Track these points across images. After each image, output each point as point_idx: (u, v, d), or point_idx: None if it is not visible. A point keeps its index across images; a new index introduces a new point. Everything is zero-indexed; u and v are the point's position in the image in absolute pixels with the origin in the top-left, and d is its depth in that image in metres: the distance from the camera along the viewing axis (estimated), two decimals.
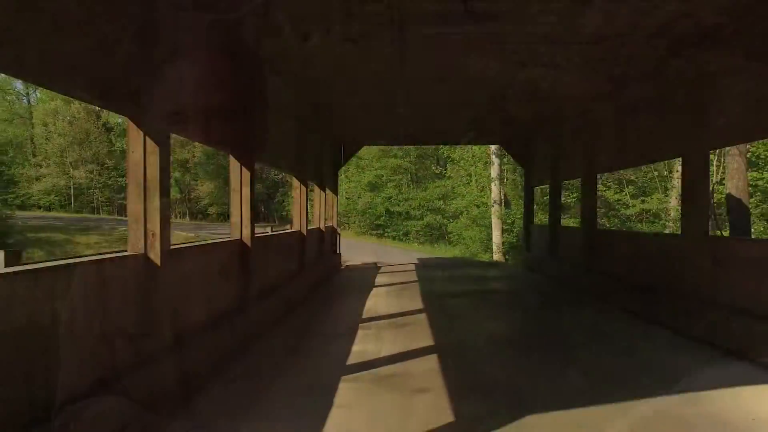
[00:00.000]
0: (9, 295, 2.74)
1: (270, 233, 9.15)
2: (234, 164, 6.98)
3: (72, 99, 60.95)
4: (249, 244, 6.71)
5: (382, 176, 32.13)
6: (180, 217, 58.46)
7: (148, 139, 4.18)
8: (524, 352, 6.44)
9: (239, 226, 6.72)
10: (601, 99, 9.69)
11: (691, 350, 6.11)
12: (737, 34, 6.07)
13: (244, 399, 4.51)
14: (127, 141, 4.29)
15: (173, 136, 4.91)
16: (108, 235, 31.03)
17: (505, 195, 21.86)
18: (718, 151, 13.72)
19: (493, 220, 21.30)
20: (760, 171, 15.21)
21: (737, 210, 10.37)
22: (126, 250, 4.24)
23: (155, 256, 4.20)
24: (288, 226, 12.98)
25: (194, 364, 4.72)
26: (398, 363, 5.69)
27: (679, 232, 8.82)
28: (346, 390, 4.80)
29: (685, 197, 7.48)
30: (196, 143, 52.17)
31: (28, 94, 59.37)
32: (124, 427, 3.47)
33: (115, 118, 65.53)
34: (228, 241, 6.56)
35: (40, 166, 56.64)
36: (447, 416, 4.19)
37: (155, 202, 4.24)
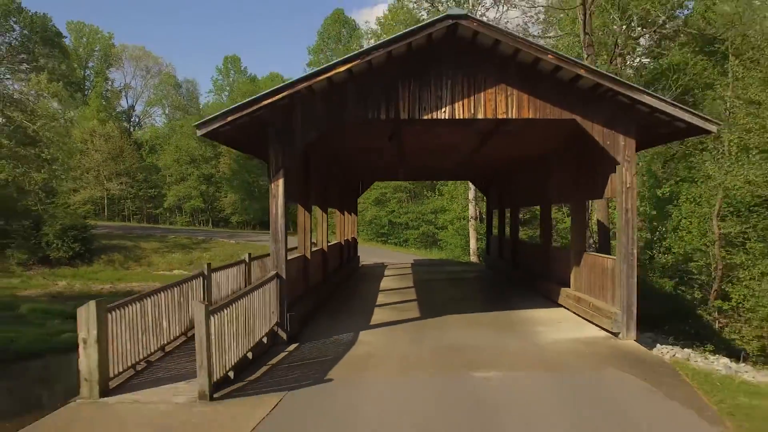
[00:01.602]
0: (305, 257, 9.56)
1: (328, 245, 16.02)
2: (316, 210, 13.86)
3: (107, 119, 67.66)
4: (326, 250, 13.62)
5: (386, 194, 38.98)
6: (203, 225, 65.12)
7: (305, 211, 11.05)
8: (461, 301, 13.29)
9: (324, 240, 13.63)
10: (514, 165, 16.57)
11: (537, 300, 12.95)
12: (557, 156, 12.93)
13: (336, 316, 11.38)
14: (297, 213, 11.13)
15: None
16: (164, 242, 37.62)
17: (480, 212, 28.75)
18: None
19: (470, 231, 28.21)
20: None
21: (603, 231, 17.24)
22: (296, 249, 11.08)
23: (307, 254, 11.08)
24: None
25: (314, 300, 11.59)
26: (398, 304, 12.57)
27: (551, 243, 15.63)
28: (377, 311, 11.69)
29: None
30: (223, 161, 58.87)
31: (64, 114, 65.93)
32: (304, 318, 10.29)
33: (146, 136, 72.36)
34: (320, 249, 13.46)
35: (80, 179, 62.40)
36: (417, 316, 11.09)
37: (306, 235, 11.13)
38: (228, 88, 76.00)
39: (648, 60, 24.25)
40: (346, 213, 19.91)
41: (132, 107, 77.91)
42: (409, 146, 13.15)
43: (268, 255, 12.64)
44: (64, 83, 41.51)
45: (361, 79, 8.44)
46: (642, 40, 24.77)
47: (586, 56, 18.36)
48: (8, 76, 37.71)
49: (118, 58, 75.82)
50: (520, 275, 16.36)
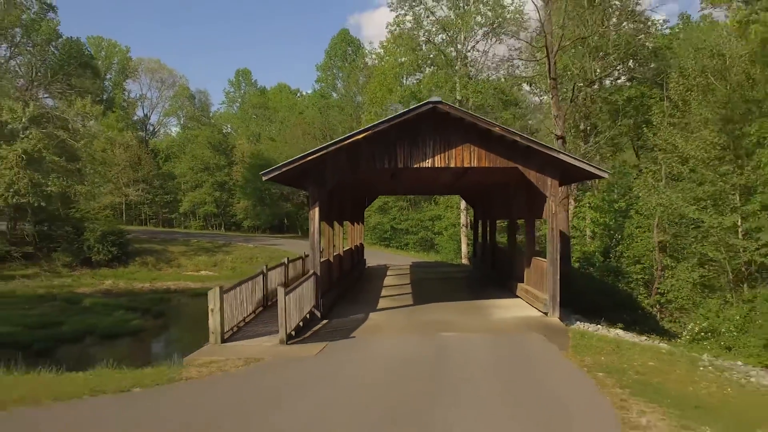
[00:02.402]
0: (329, 260, 13.68)
1: (343, 251, 20.16)
2: (338, 227, 18.01)
3: (125, 129, 71.88)
4: (342, 254, 17.78)
5: (388, 202, 43.16)
6: (216, 229, 69.38)
7: (329, 227, 15.18)
8: (446, 293, 17.41)
9: (341, 248, 17.80)
10: (488, 189, 20.69)
11: (503, 293, 17.06)
12: (514, 186, 17.02)
13: (351, 304, 15.54)
14: (323, 228, 15.27)
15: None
16: (189, 246, 41.81)
17: (470, 221, 32.88)
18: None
19: (461, 237, 32.36)
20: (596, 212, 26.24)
21: (565, 238, 21.37)
22: (322, 255, 15.22)
23: (332, 259, 15.23)
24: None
25: (336, 292, 15.73)
26: (397, 296, 16.73)
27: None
28: (381, 300, 15.85)
29: (514, 234, 18.46)
30: (235, 170, 62.97)
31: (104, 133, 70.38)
32: (330, 304, 14.41)
33: (162, 145, 76.54)
34: (338, 254, 17.62)
35: (100, 186, 66.38)
36: (411, 304, 15.26)
37: (331, 245, 15.29)
38: (239, 100, 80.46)
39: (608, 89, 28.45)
40: (355, 224, 24.09)
41: (147, 116, 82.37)
42: (405, 179, 17.39)
43: (299, 259, 16.89)
44: (95, 101, 45.90)
45: (371, 142, 12.59)
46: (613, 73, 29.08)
47: (551, 97, 22.60)
48: (46, 96, 41.98)
49: (135, 71, 79.99)
50: (495, 275, 20.51)
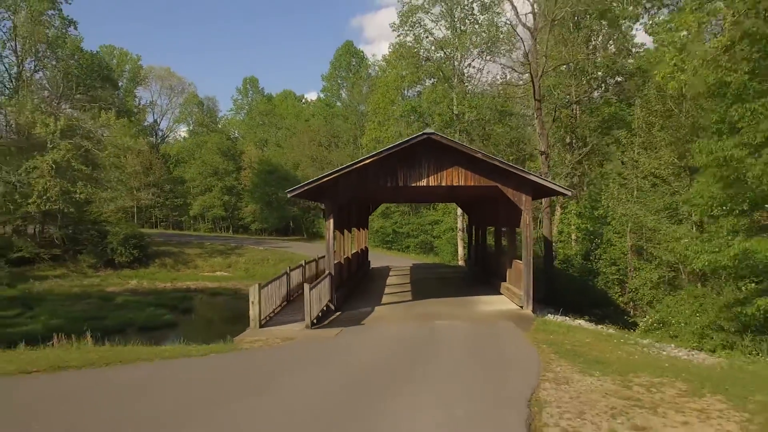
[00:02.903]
0: (341, 262, 16.41)
1: (351, 254, 22.87)
2: (347, 233, 20.75)
3: (137, 135, 74.71)
4: (352, 257, 20.50)
5: (390, 207, 45.90)
6: (224, 231, 72.22)
7: (341, 234, 17.91)
8: (440, 291, 20.13)
9: (350, 251, 20.53)
10: (479, 200, 23.39)
11: (489, 291, 19.77)
12: (498, 198, 19.73)
13: (359, 300, 18.28)
14: (336, 235, 18.01)
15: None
16: (204, 248, 44.54)
17: (465, 225, 35.59)
18: (540, 214, 27.59)
19: (458, 241, 35.08)
20: (580, 218, 28.95)
21: (547, 242, 24.10)
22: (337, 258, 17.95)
23: (343, 261, 17.96)
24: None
25: (346, 289, 18.46)
26: (398, 293, 19.47)
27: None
28: (384, 297, 18.58)
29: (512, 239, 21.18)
30: (244, 174, 65.71)
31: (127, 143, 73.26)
32: (343, 299, 17.13)
33: (172, 150, 79.33)
34: (347, 257, 20.35)
35: (114, 190, 69.21)
36: (410, 299, 18.00)
37: (341, 249, 18.02)
38: (246, 107, 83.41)
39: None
40: (361, 229, 26.84)
41: (156, 122, 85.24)
42: (405, 193, 20.13)
43: (313, 261, 19.61)
44: (116, 112, 48.88)
45: (376, 165, 15.31)
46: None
47: (536, 116, 25.32)
48: (69, 107, 44.86)
49: (146, 78, 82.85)
50: (484, 275, 23.23)
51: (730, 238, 13.31)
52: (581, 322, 15.34)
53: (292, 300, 16.25)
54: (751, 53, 11.81)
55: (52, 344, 11.09)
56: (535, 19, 25.84)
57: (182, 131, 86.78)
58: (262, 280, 28.07)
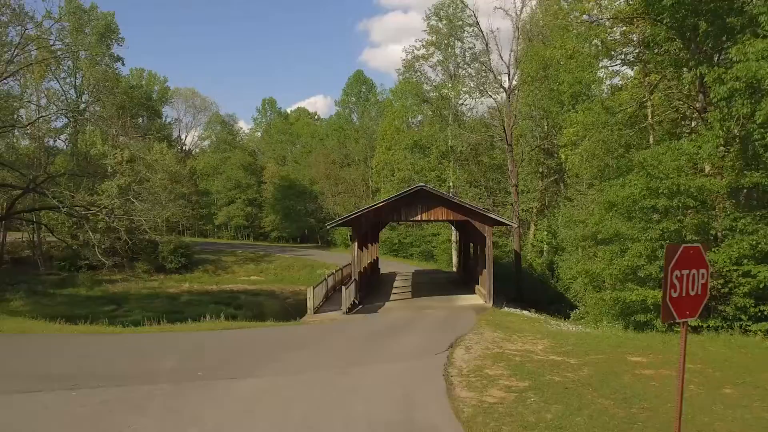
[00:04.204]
0: (361, 271, 23.88)
1: (368, 263, 30.36)
2: (365, 249, 28.30)
3: (166, 152, 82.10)
4: (368, 266, 28.02)
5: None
6: (245, 239, 79.97)
7: (360, 250, 25.43)
8: (435, 291, 27.56)
9: (367, 262, 28.05)
10: (463, 223, 30.85)
11: (467, 291, 27.17)
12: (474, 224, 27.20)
13: (374, 297, 25.79)
14: (358, 250, 25.50)
15: None
16: (237, 256, 52.13)
17: (458, 239, 42.97)
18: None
19: (452, 251, 42.55)
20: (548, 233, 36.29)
21: (517, 254, 31.49)
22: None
23: (362, 270, 25.47)
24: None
25: (365, 290, 25.95)
26: (402, 292, 26.99)
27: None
28: (392, 295, 26.11)
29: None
30: (265, 187, 73.17)
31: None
32: (363, 296, 24.58)
33: (200, 164, 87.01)
34: (365, 266, 27.86)
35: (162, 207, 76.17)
36: (410, 297, 25.51)
37: (361, 260, 25.58)
38: (264, 125, 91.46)
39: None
40: (374, 244, 34.39)
41: (181, 138, 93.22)
42: (406, 220, 27.78)
43: (339, 270, 27.17)
44: (157, 138, 56.86)
45: (386, 207, 22.79)
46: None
47: (508, 157, 32.79)
48: (121, 136, 52.63)
49: (172, 98, 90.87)
50: (467, 280, 30.69)
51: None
52: (524, 312, 22.72)
53: (330, 297, 23.79)
54: None
55: (199, 320, 18.53)
56: (509, 80, 33.37)
57: (205, 144, 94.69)
58: (292, 284, 36.69)
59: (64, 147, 53.63)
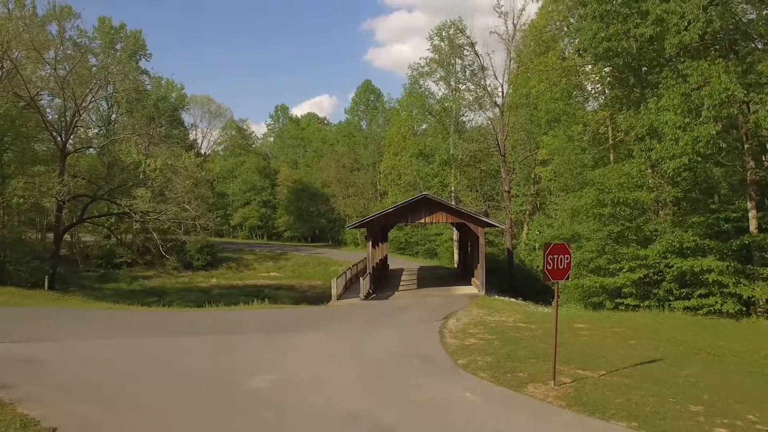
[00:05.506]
0: (376, 267, 28.40)
1: (379, 260, 34.88)
2: (376, 247, 32.84)
3: (184, 156, 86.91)
4: (379, 262, 32.54)
5: None
6: (258, 238, 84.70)
7: (372, 248, 29.95)
8: (437, 283, 32.06)
9: (378, 258, 32.58)
10: (461, 224, 35.30)
11: (465, 283, 31.65)
12: (470, 224, 31.67)
13: (385, 288, 30.33)
14: (371, 248, 30.03)
15: None
16: (256, 254, 56.74)
17: (458, 238, 47.40)
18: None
19: (454, 249, 47.03)
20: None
21: (509, 251, 35.90)
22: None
23: (374, 265, 29.98)
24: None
25: (377, 283, 30.46)
26: (408, 284, 31.52)
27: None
28: (400, 287, 30.64)
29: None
30: (279, 190, 77.63)
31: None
32: (376, 287, 29.08)
33: (216, 167, 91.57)
34: (377, 262, 32.40)
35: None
36: (415, 288, 30.05)
37: (374, 257, 30.12)
38: (277, 130, 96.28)
39: None
40: (384, 243, 38.95)
41: (197, 142, 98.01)
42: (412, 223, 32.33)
43: (354, 265, 31.78)
44: (181, 145, 61.64)
45: (394, 212, 27.29)
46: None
47: (502, 166, 37.25)
48: (149, 145, 57.31)
49: (189, 105, 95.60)
50: (466, 273, 35.16)
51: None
52: (511, 299, 27.18)
53: (348, 287, 28.33)
54: None
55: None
56: (503, 97, 37.81)
57: (220, 148, 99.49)
58: (308, 279, 41.38)
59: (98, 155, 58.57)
